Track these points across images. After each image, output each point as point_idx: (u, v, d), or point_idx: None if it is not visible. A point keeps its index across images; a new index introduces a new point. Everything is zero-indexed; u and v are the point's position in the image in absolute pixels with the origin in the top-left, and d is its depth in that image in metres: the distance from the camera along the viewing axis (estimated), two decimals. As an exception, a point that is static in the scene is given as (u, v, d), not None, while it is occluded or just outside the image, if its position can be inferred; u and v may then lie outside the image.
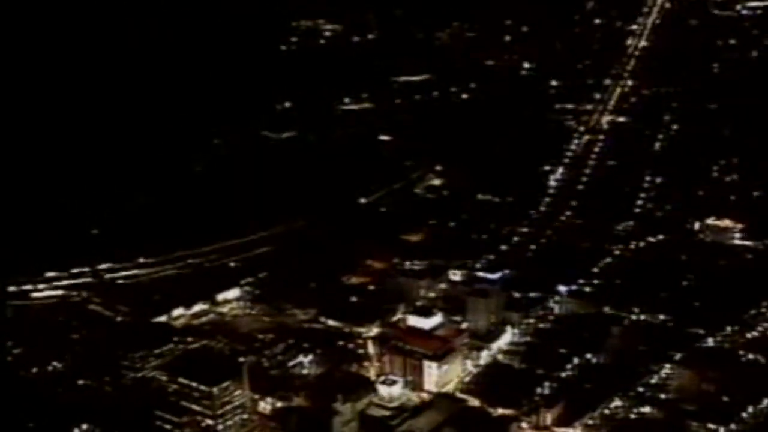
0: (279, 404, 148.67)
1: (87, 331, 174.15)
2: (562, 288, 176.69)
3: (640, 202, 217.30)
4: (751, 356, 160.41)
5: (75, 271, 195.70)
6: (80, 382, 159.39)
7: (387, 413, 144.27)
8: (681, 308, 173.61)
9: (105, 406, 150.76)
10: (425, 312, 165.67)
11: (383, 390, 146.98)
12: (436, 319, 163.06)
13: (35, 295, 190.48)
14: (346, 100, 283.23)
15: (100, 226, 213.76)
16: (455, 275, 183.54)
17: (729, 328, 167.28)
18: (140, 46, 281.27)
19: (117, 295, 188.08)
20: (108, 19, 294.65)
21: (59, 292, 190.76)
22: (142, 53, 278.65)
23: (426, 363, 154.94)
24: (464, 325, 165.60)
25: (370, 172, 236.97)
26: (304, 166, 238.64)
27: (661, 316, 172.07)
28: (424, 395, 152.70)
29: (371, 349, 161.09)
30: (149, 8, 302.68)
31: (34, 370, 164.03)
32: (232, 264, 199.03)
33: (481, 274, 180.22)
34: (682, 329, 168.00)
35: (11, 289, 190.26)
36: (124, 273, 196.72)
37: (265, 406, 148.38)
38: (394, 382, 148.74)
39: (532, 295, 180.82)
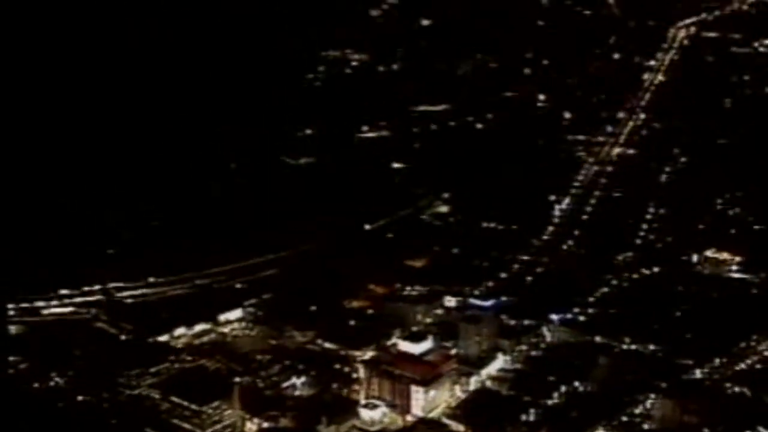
0: (265, 425, 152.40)
1: (90, 347, 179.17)
2: (554, 316, 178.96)
3: (641, 233, 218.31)
4: (737, 389, 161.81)
5: (86, 289, 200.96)
6: (79, 398, 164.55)
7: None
8: (671, 339, 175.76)
9: (99, 422, 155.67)
10: (416, 337, 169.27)
11: (365, 414, 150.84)
12: (426, 344, 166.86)
13: (46, 312, 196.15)
14: (365, 128, 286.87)
15: (116, 245, 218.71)
16: (450, 301, 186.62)
17: (717, 360, 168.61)
18: (165, 69, 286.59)
19: (123, 314, 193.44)
20: (137, 43, 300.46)
21: (69, 309, 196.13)
22: (167, 76, 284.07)
23: (413, 388, 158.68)
24: (453, 351, 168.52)
25: (380, 198, 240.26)
26: (316, 192, 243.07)
27: (651, 346, 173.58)
28: (409, 419, 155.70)
29: (361, 372, 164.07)
30: (175, 31, 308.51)
31: (36, 384, 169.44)
32: (238, 285, 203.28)
33: (473, 301, 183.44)
34: (671, 360, 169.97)
35: (24, 305, 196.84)
36: (133, 292, 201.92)
37: (251, 426, 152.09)
38: (376, 406, 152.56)
39: (526, 322, 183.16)
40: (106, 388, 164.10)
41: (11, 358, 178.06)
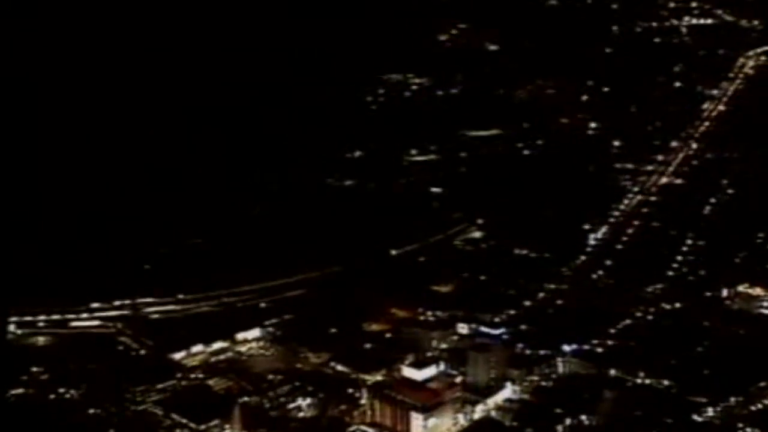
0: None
1: (107, 362, 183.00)
2: (567, 347, 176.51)
3: (675, 265, 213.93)
4: (748, 430, 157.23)
5: (117, 303, 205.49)
6: (90, 411, 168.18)
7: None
8: (688, 375, 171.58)
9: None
10: (420, 363, 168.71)
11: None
12: (430, 371, 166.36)
13: (74, 324, 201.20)
14: (414, 152, 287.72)
15: (152, 261, 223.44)
16: (462, 328, 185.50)
17: (733, 399, 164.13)
18: (217, 86, 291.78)
19: (147, 329, 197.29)
20: (193, 58, 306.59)
21: (96, 323, 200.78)
22: (218, 93, 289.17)
23: (413, 414, 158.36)
24: (458, 379, 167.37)
25: (416, 222, 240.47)
26: (353, 214, 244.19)
27: (666, 382, 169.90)
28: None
29: (365, 396, 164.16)
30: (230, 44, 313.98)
31: (52, 396, 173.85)
32: (262, 305, 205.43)
33: (483, 329, 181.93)
34: (684, 396, 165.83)
35: (55, 317, 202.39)
36: (161, 308, 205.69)
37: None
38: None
39: (542, 352, 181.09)
40: (115, 403, 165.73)
41: (34, 369, 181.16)
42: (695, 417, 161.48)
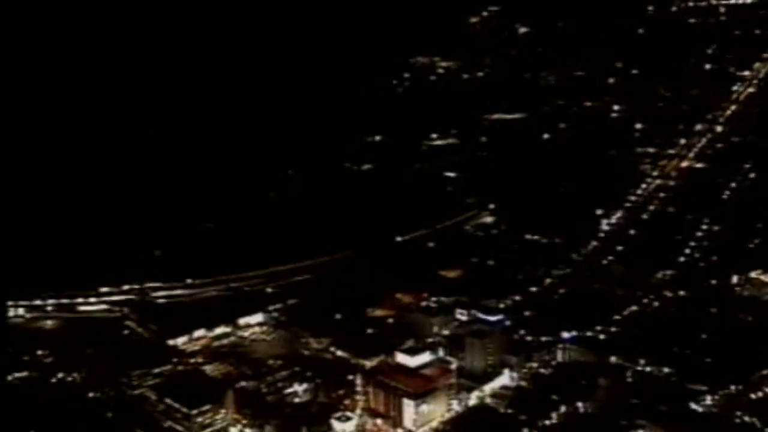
0: (248, 431, 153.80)
1: (111, 346, 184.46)
2: (565, 335, 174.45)
3: (687, 251, 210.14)
4: (746, 419, 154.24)
5: (125, 287, 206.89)
6: (90, 394, 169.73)
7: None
8: (690, 363, 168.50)
9: (99, 420, 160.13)
10: (413, 350, 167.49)
11: (337, 425, 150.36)
12: (423, 357, 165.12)
13: (82, 308, 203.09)
14: (434, 136, 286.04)
15: (163, 246, 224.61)
16: (462, 315, 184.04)
17: (733, 387, 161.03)
18: (240, 71, 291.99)
19: (152, 313, 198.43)
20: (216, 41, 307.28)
21: (103, 307, 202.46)
22: (240, 78, 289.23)
23: (405, 400, 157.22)
24: (453, 366, 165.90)
25: (430, 207, 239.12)
26: (368, 199, 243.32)
27: (666, 369, 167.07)
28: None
29: (359, 382, 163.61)
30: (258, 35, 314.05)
31: (54, 380, 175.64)
32: (268, 289, 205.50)
33: (481, 315, 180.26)
34: (684, 384, 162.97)
35: (64, 300, 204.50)
36: (168, 292, 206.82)
37: (233, 431, 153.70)
38: (348, 419, 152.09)
39: (543, 339, 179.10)
40: (113, 387, 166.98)
41: (39, 352, 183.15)
42: (693, 405, 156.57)
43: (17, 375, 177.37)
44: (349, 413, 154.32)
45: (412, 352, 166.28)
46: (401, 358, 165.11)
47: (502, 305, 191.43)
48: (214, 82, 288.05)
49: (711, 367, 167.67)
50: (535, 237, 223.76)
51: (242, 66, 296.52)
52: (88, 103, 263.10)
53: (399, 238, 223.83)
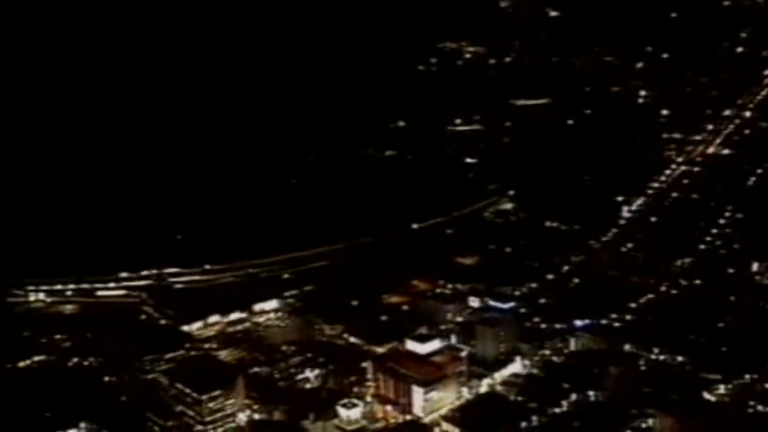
0: (256, 416, 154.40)
1: (127, 331, 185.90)
2: (578, 322, 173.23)
3: (708, 239, 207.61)
4: (760, 408, 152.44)
5: (144, 273, 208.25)
6: (105, 378, 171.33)
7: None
8: (705, 351, 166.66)
9: (111, 404, 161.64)
10: (424, 337, 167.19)
11: (342, 412, 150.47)
12: (433, 344, 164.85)
13: (101, 293, 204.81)
14: (458, 121, 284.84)
15: (183, 231, 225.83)
16: (474, 302, 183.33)
17: (748, 377, 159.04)
18: (262, 55, 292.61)
19: (169, 299, 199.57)
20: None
21: (122, 292, 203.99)
22: (263, 62, 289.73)
23: (414, 388, 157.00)
24: (464, 353, 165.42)
25: (448, 194, 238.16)
26: (389, 186, 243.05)
27: (680, 358, 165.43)
28: (392, 420, 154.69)
29: (369, 369, 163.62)
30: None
31: (70, 363, 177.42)
32: (285, 275, 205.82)
33: (492, 303, 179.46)
34: (697, 373, 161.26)
35: (84, 286, 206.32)
36: (187, 278, 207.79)
37: (242, 417, 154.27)
38: (354, 405, 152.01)
39: (557, 326, 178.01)
40: (127, 372, 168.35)
41: (57, 336, 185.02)
42: (706, 394, 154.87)
43: (36, 359, 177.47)
44: (355, 400, 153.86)
45: (422, 339, 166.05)
46: (411, 345, 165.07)
47: (517, 292, 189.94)
48: (237, 66, 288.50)
49: (726, 355, 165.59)
50: (555, 224, 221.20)
51: (266, 50, 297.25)
52: (106, 88, 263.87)
53: (415, 226, 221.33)
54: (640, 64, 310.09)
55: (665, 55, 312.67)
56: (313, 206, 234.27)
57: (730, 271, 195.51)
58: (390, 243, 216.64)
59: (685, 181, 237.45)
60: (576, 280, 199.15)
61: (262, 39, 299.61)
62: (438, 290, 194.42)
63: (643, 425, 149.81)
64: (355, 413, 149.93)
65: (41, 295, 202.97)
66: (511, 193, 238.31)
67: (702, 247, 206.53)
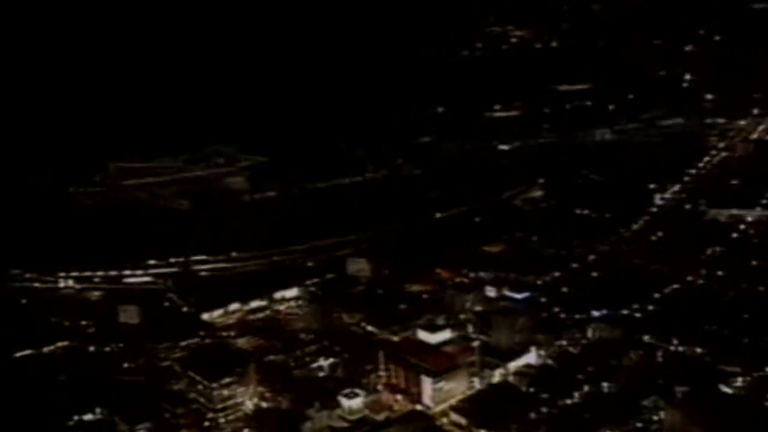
0: (264, 404, 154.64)
1: (150, 317, 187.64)
2: (595, 312, 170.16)
3: (741, 227, 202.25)
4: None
5: (172, 260, 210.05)
6: (125, 365, 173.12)
7: (345, 425, 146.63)
8: (726, 343, 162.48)
9: (126, 390, 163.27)
10: (435, 327, 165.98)
11: (344, 402, 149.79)
12: (444, 334, 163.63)
13: (128, 280, 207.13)
14: (497, 107, 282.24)
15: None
16: (491, 292, 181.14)
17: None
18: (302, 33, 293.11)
19: (194, 286, 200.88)
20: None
21: (147, 279, 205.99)
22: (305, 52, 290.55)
23: (423, 378, 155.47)
24: (475, 343, 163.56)
25: (480, 182, 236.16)
26: (422, 173, 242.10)
27: (699, 350, 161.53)
28: (396, 409, 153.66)
29: (381, 358, 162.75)
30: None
31: (92, 348, 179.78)
32: (309, 264, 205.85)
33: (507, 293, 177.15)
34: (716, 365, 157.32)
35: (112, 273, 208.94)
36: (213, 265, 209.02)
37: (249, 405, 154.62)
38: (355, 395, 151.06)
39: (577, 316, 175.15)
40: (146, 358, 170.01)
41: (83, 322, 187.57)
42: (723, 387, 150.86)
43: (59, 344, 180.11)
44: (357, 390, 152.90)
45: (432, 329, 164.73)
46: (422, 334, 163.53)
47: (539, 281, 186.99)
48: (283, 55, 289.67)
49: (748, 348, 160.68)
50: (585, 212, 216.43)
51: (309, 38, 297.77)
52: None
53: (439, 215, 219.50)
54: (689, 47, 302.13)
55: (718, 38, 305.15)
56: (347, 195, 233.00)
57: (754, 263, 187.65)
58: (417, 231, 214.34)
59: (725, 167, 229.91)
60: (598, 271, 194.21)
61: (305, 33, 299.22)
62: (459, 279, 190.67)
63: (654, 417, 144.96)
64: (356, 403, 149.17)
65: (70, 282, 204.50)
66: (541, 180, 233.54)
67: (734, 236, 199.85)
